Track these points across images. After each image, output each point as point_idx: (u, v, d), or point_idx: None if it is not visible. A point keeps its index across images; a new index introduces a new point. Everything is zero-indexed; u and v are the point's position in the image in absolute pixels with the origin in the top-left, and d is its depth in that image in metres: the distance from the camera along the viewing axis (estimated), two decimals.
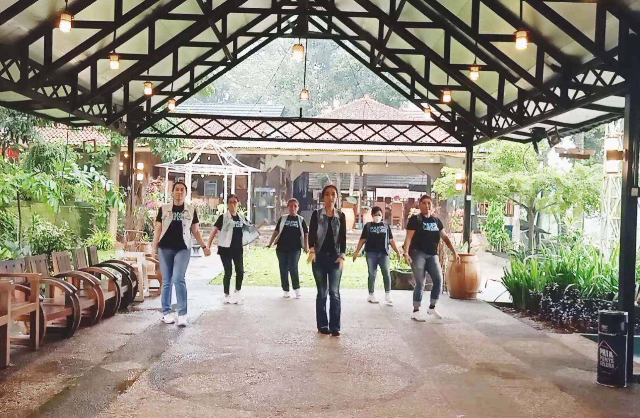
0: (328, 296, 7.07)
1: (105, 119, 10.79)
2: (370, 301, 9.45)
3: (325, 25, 12.28)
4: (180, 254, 7.43)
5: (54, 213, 12.72)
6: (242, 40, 11.97)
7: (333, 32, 12.16)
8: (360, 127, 12.87)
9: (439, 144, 13.27)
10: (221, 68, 12.69)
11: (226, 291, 9.16)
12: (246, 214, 19.63)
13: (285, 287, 9.90)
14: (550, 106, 8.35)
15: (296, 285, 9.94)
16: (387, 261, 9.62)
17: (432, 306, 8.24)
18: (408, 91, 12.34)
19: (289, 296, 9.80)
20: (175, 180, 23.86)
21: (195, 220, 7.60)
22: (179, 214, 7.44)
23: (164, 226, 7.43)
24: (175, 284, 7.44)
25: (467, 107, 11.27)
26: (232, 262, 9.14)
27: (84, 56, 8.65)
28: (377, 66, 11.99)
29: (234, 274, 9.25)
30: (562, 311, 8.04)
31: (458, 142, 12.55)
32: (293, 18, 11.97)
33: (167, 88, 11.39)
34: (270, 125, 13.77)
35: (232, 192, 19.08)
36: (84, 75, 9.13)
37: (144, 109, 12.08)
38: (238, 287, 9.25)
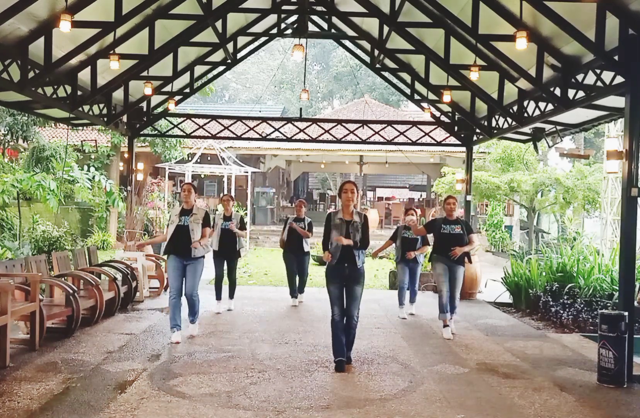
0: (344, 319, 5.79)
1: (105, 119, 10.79)
2: (404, 317, 8.49)
3: (325, 25, 12.28)
4: (192, 266, 6.72)
5: (54, 213, 12.71)
6: (242, 40, 11.97)
7: (333, 32, 12.16)
8: (360, 127, 12.87)
9: (439, 144, 13.27)
10: (221, 68, 12.69)
11: (218, 297, 8.55)
12: (246, 214, 19.58)
13: (293, 294, 9.28)
14: (550, 106, 8.34)
15: (302, 289, 9.46)
16: (419, 271, 8.80)
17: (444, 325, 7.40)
18: (408, 91, 12.34)
19: (296, 305, 9.19)
20: (176, 180, 23.90)
21: (205, 224, 6.77)
22: (187, 218, 6.67)
23: (168, 232, 6.72)
24: (187, 298, 6.77)
25: (467, 107, 11.27)
26: (225, 266, 8.53)
27: (84, 56, 8.65)
28: (377, 66, 11.99)
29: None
30: (562, 311, 8.04)
31: (458, 142, 12.56)
32: (293, 18, 11.98)
33: (167, 88, 11.39)
34: (270, 125, 13.77)
35: (232, 192, 19.07)
36: (84, 75, 9.12)
37: (144, 109, 12.07)
38: (231, 296, 8.66)
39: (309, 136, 12.89)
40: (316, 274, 13.15)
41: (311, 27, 11.74)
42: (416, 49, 9.99)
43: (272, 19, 11.47)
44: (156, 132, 13.82)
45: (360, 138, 12.91)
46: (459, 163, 20.86)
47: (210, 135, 13.09)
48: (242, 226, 8.61)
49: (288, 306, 9.08)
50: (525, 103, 9.05)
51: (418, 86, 11.80)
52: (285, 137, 13.38)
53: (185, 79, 11.66)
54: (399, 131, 12.72)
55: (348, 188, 5.78)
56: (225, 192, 19.14)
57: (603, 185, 14.70)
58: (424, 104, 12.31)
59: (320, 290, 10.65)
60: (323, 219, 6.03)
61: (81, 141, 19.25)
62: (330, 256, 5.72)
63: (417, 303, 9.03)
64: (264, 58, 46.53)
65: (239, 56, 12.11)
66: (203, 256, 6.91)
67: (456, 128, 12.25)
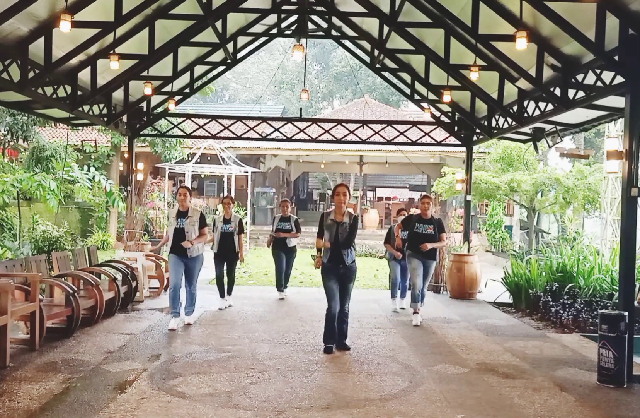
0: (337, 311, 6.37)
1: (105, 119, 10.79)
2: (395, 310, 8.85)
3: (325, 25, 12.28)
4: (191, 264, 7.29)
5: (54, 213, 12.72)
6: (242, 40, 11.97)
7: (333, 32, 12.16)
8: (360, 127, 12.87)
9: (439, 144, 13.27)
10: (221, 68, 12.69)
11: (221, 295, 8.81)
12: (246, 214, 19.58)
13: (279, 288, 9.75)
14: (550, 106, 8.34)
15: (285, 284, 9.83)
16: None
17: (414, 312, 7.88)
18: (408, 91, 12.34)
19: (283, 298, 9.67)
20: (176, 180, 23.90)
21: (203, 224, 7.34)
22: (183, 220, 7.23)
23: (170, 233, 7.30)
24: (187, 292, 7.42)
25: (467, 107, 11.27)
26: (225, 267, 8.74)
27: (84, 56, 8.65)
28: (377, 66, 11.99)
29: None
30: (562, 311, 8.04)
31: (458, 142, 12.55)
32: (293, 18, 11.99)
33: (167, 88, 11.39)
34: (270, 125, 13.77)
35: (232, 192, 19.05)
36: (84, 75, 9.12)
37: (144, 109, 12.07)
38: (229, 292, 8.89)
39: (309, 136, 12.89)
40: (315, 274, 13.14)
41: (311, 27, 11.74)
42: (416, 49, 9.99)
43: (272, 19, 11.47)
44: (156, 132, 13.82)
45: (360, 138, 12.91)
46: (459, 163, 20.85)
47: (210, 135, 13.09)
48: (241, 228, 8.74)
49: (288, 306, 9.09)
50: (525, 103, 9.05)
51: (418, 86, 11.80)
52: (285, 137, 13.37)
53: (185, 79, 11.66)
54: (399, 131, 12.71)
55: (340, 191, 6.23)
56: (226, 192, 19.14)
57: (603, 185, 14.70)
58: (424, 104, 12.31)
59: (320, 290, 10.62)
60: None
61: (81, 141, 19.26)
62: (327, 243, 6.27)
63: (396, 298, 9.09)
64: (264, 58, 46.53)
65: (239, 56, 12.11)
66: (200, 254, 7.42)
67: (456, 128, 12.25)
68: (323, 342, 6.41)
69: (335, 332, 6.39)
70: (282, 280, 9.75)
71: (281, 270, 9.68)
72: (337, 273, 6.32)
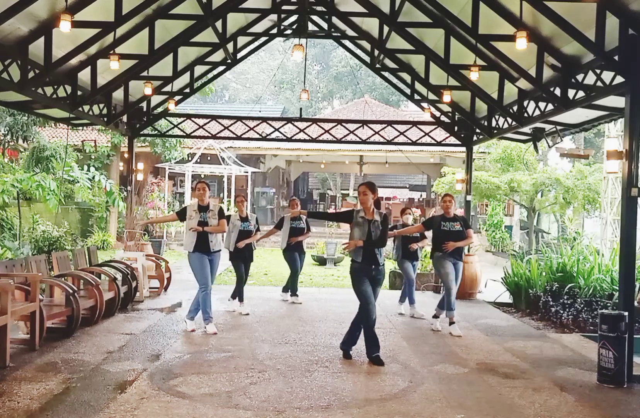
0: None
1: (105, 119, 10.79)
2: (401, 313, 8.69)
3: (325, 25, 12.28)
4: (214, 261, 7.15)
5: (54, 213, 12.71)
6: (242, 40, 11.98)
7: (333, 32, 12.17)
8: (360, 127, 12.87)
9: (439, 144, 13.27)
10: (221, 68, 12.69)
11: (233, 296, 8.50)
12: None
13: (294, 292, 9.28)
14: (550, 106, 8.35)
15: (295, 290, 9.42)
16: (416, 269, 8.84)
17: (435, 316, 7.71)
18: (408, 91, 12.34)
19: (287, 300, 9.38)
20: (176, 180, 23.92)
21: (221, 217, 7.18)
22: (205, 214, 7.08)
23: (190, 224, 7.04)
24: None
25: (467, 107, 11.27)
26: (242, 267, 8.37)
27: (84, 56, 8.65)
28: (377, 66, 11.99)
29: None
30: (562, 311, 8.04)
31: (458, 142, 12.55)
32: (293, 18, 11.98)
33: (167, 88, 11.39)
34: (270, 125, 13.77)
35: (232, 192, 19.06)
36: (84, 75, 9.13)
37: (144, 109, 12.07)
38: (233, 297, 8.55)
39: (309, 136, 12.89)
40: (316, 274, 13.16)
41: (311, 27, 11.74)
42: (416, 49, 9.99)
43: (272, 19, 11.47)
44: (156, 132, 13.82)
45: (360, 138, 12.91)
46: (459, 163, 20.87)
47: (210, 135, 13.09)
48: (257, 227, 8.60)
49: (288, 306, 9.08)
50: (525, 103, 9.05)
51: (418, 86, 11.80)
52: (285, 137, 13.37)
53: (185, 79, 11.66)
54: (399, 131, 12.72)
55: (360, 190, 6.05)
56: (225, 192, 19.16)
57: (603, 185, 14.71)
58: (424, 104, 12.31)
59: (320, 290, 10.65)
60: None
61: (81, 141, 19.26)
62: (359, 242, 5.82)
63: (415, 304, 9.02)
64: (264, 58, 46.54)
65: (239, 56, 12.11)
66: (220, 250, 7.27)
67: (456, 128, 12.25)
68: (342, 346, 6.13)
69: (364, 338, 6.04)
70: (297, 283, 9.34)
71: (297, 272, 9.24)
72: (370, 275, 5.89)
